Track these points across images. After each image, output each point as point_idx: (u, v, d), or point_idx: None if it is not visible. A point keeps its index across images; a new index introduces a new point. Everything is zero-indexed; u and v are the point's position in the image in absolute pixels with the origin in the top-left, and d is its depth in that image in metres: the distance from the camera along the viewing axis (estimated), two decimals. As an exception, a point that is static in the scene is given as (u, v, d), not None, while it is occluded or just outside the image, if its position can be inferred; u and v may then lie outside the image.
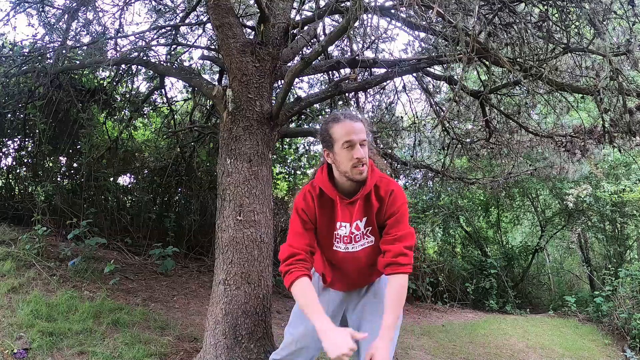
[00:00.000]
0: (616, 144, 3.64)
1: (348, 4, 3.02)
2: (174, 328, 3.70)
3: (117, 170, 6.30)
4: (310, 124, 6.55)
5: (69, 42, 5.09)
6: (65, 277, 4.15)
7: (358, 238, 1.89)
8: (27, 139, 5.89)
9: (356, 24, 3.07)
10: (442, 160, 5.59)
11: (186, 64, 6.13)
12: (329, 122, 1.84)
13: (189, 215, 6.31)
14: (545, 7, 3.27)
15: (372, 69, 4.73)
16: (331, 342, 1.58)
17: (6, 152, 5.98)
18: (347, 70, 4.72)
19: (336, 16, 5.01)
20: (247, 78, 3.37)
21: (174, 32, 5.54)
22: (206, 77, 6.25)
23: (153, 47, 5.29)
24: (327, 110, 6.45)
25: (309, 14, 4.81)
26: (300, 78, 6.12)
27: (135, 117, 6.49)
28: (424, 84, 5.24)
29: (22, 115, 5.67)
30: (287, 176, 7.61)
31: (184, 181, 6.57)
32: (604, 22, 3.06)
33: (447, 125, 5.08)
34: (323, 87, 6.02)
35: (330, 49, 5.19)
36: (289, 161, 7.62)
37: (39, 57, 5.08)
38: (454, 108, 4.92)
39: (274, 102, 3.58)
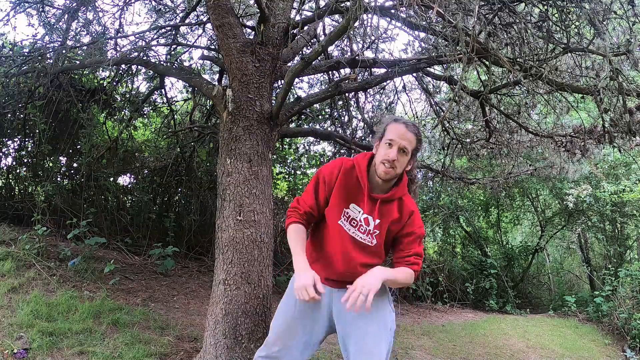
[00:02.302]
0: (616, 144, 3.64)
1: (348, 4, 3.02)
2: (174, 328, 3.70)
3: (117, 170, 6.29)
4: (311, 124, 6.55)
5: (69, 42, 5.09)
6: (65, 277, 4.15)
7: (363, 230, 1.94)
8: (27, 139, 5.89)
9: (356, 24, 3.07)
10: (442, 160, 5.59)
11: (186, 64, 6.13)
12: (392, 119, 1.98)
13: (189, 215, 6.31)
14: (545, 7, 3.27)
15: (372, 69, 4.73)
16: (300, 277, 1.76)
17: (6, 152, 5.98)
18: (347, 70, 4.72)
19: (336, 16, 5.01)
20: (247, 78, 3.37)
21: (174, 32, 5.53)
22: (206, 77, 6.25)
23: (153, 47, 5.29)
24: (327, 110, 6.46)
25: (309, 14, 4.81)
26: (300, 78, 6.12)
27: (135, 117, 6.49)
28: (424, 84, 5.24)
29: (22, 115, 5.66)
30: (287, 176, 7.61)
31: (184, 181, 6.57)
32: (604, 22, 3.06)
33: (447, 125, 5.08)
34: (323, 87, 6.03)
35: (330, 49, 5.19)
36: (289, 161, 7.62)
37: (39, 57, 5.08)
38: (454, 108, 4.92)
39: (274, 102, 3.58)
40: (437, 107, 5.33)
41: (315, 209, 1.99)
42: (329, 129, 6.26)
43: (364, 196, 1.93)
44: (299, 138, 7.29)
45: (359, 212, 1.94)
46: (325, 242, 2.00)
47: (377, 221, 1.93)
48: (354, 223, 1.95)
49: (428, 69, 4.62)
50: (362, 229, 1.94)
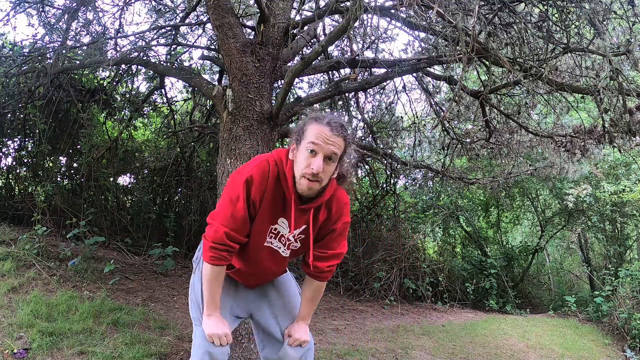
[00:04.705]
0: (616, 144, 3.64)
1: (348, 4, 3.02)
2: (174, 328, 3.69)
3: (117, 170, 6.29)
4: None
5: (69, 42, 5.09)
6: (65, 277, 4.15)
7: (291, 245, 1.78)
8: (27, 139, 5.89)
9: (356, 24, 3.07)
10: (442, 160, 5.60)
11: (186, 64, 6.13)
12: (312, 118, 1.63)
13: (189, 215, 6.31)
14: (545, 7, 3.27)
15: (372, 69, 4.73)
16: (214, 325, 1.71)
17: (6, 152, 5.99)
18: (347, 70, 4.72)
19: (336, 16, 5.01)
20: (247, 78, 3.37)
21: (174, 32, 5.54)
22: (206, 77, 6.25)
23: (153, 47, 5.29)
24: (327, 110, 6.46)
25: (309, 14, 4.81)
26: (300, 78, 6.12)
27: (135, 117, 6.50)
28: (424, 84, 5.24)
29: (22, 115, 5.66)
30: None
31: (184, 181, 6.57)
32: (604, 22, 3.06)
33: (447, 125, 5.09)
34: (323, 87, 6.03)
35: (330, 49, 5.19)
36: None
37: (39, 57, 5.08)
38: (454, 108, 4.92)
39: (274, 102, 3.58)
40: (437, 107, 5.33)
41: (246, 237, 1.72)
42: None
43: (291, 210, 1.65)
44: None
45: (286, 227, 1.71)
46: (247, 260, 1.78)
47: (304, 227, 1.72)
48: (283, 240, 1.74)
49: (428, 69, 4.63)
50: (291, 244, 1.76)
